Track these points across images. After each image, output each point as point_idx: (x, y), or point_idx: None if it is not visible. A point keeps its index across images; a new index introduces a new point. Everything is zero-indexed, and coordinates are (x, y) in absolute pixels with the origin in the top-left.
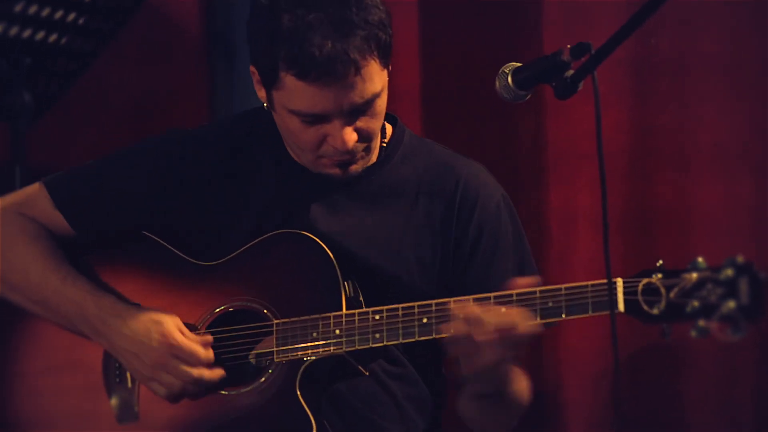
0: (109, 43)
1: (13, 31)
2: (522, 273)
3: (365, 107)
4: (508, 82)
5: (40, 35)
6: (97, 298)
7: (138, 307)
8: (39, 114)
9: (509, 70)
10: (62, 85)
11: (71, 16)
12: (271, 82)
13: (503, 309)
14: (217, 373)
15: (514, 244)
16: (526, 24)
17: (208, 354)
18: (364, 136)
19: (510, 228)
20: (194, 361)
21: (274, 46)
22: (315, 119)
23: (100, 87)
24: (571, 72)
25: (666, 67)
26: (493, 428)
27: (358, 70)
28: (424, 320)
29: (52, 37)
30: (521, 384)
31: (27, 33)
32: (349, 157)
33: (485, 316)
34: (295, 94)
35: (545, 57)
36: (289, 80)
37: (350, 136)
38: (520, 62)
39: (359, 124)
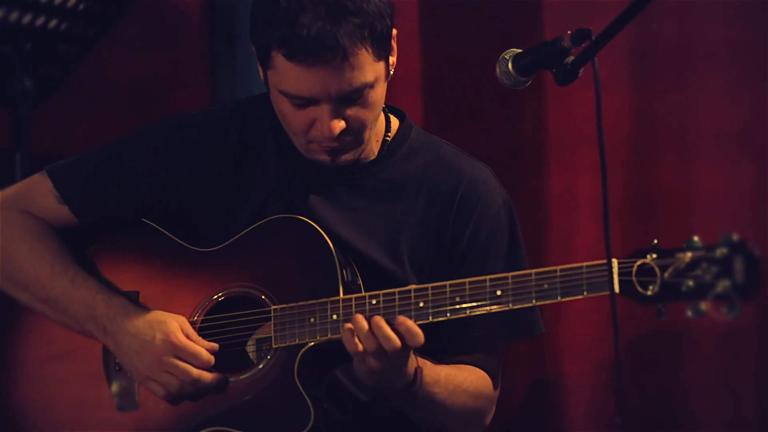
0: (110, 29)
1: (14, 16)
2: None
3: (354, 96)
4: (508, 69)
5: (41, 21)
6: (108, 299)
7: (147, 308)
8: (40, 100)
9: (510, 57)
10: (63, 71)
11: (72, 2)
12: (264, 62)
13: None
14: (216, 377)
15: (508, 252)
16: (527, 10)
17: (210, 358)
18: (354, 126)
19: (506, 235)
20: (196, 362)
21: (269, 26)
22: (304, 102)
23: (102, 73)
24: (571, 58)
25: (667, 52)
26: (434, 426)
27: (346, 57)
28: (421, 304)
29: (53, 23)
30: (456, 386)
31: (28, 18)
32: (336, 144)
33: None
34: (285, 74)
35: (546, 43)
36: (279, 60)
37: (337, 123)
38: (520, 48)
39: (349, 112)
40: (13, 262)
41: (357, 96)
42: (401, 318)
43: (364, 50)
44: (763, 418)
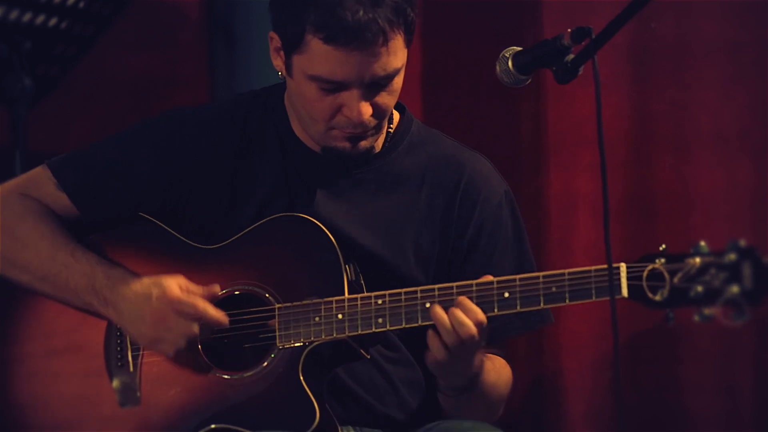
0: (109, 27)
1: (14, 14)
2: (521, 271)
3: (385, 81)
4: (508, 67)
5: (40, 19)
6: (107, 269)
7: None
8: (39, 98)
9: (510, 55)
10: (62, 69)
11: (71, 0)
12: (294, 46)
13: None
14: (221, 315)
15: (514, 242)
16: (527, 8)
17: (206, 304)
18: (378, 112)
19: (510, 225)
20: (193, 313)
21: (304, 8)
22: (334, 87)
23: (101, 72)
24: (571, 56)
25: (666, 51)
26: (472, 418)
27: (386, 41)
28: (427, 305)
29: (52, 21)
30: (498, 375)
31: (27, 17)
32: (360, 130)
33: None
34: (319, 58)
35: (546, 41)
36: (315, 44)
37: (366, 108)
38: (520, 46)
39: (376, 98)
40: (16, 242)
41: (386, 82)
42: (461, 297)
43: (398, 35)
44: (760, 417)
